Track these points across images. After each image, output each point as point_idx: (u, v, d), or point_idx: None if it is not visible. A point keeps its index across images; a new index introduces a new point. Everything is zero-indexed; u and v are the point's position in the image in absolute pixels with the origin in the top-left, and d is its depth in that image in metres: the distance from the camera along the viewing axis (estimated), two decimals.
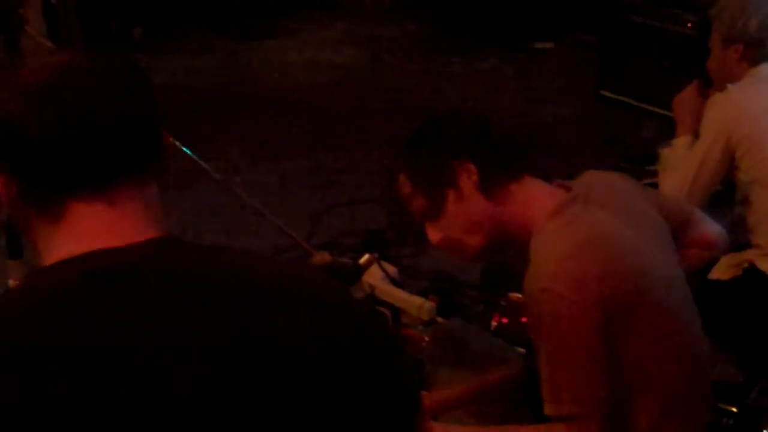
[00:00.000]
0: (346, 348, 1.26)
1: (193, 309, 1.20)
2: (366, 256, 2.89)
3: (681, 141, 3.53)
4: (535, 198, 2.26)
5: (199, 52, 7.41)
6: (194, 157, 2.76)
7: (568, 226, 2.14)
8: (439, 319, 3.37)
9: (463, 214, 2.27)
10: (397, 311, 3.28)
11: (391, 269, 3.56)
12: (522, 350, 2.91)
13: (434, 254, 4.02)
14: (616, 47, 5.99)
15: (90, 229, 1.28)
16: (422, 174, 2.29)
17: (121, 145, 1.30)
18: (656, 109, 5.58)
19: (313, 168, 5.39)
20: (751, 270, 3.23)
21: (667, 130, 5.01)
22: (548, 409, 2.08)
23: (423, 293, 3.55)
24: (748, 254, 3.28)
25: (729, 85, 3.37)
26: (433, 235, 2.33)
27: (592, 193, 2.26)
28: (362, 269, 2.84)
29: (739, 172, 3.31)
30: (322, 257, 2.73)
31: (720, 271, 3.24)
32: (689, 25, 5.46)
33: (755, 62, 3.36)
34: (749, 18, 3.33)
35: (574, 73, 6.74)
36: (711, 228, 2.59)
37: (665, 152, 3.62)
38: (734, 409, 2.80)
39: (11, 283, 2.84)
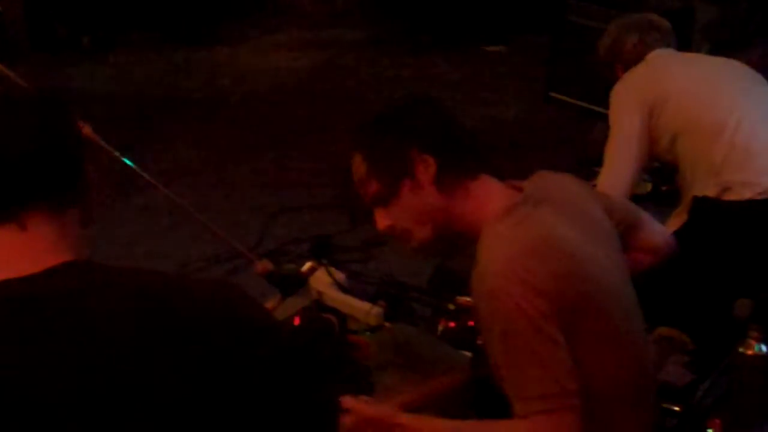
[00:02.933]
0: (250, 365, 1.28)
1: (89, 338, 1.22)
2: (308, 264, 2.88)
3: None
4: (487, 197, 2.24)
5: (149, 59, 7.37)
6: (132, 165, 2.74)
7: (517, 226, 2.13)
8: (387, 325, 3.37)
9: (414, 204, 2.24)
10: (344, 317, 3.27)
11: (340, 275, 3.55)
12: (469, 354, 2.90)
13: (383, 259, 4.04)
14: (564, 50, 6.02)
15: (1, 254, 1.32)
16: (380, 159, 2.26)
17: (30, 174, 1.34)
18: (604, 111, 5.60)
19: (265, 173, 5.38)
20: (694, 203, 3.33)
21: None
22: (517, 409, 2.03)
23: (371, 299, 3.55)
24: (689, 195, 3.39)
25: (624, 74, 3.56)
26: (381, 221, 2.30)
27: (543, 194, 2.25)
28: (305, 277, 2.83)
29: (662, 134, 3.44)
30: (264, 265, 2.71)
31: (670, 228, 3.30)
32: None
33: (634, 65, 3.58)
34: (603, 44, 3.73)
35: (524, 76, 6.77)
36: (658, 232, 2.59)
37: None
38: (677, 409, 2.81)
39: None
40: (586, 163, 4.98)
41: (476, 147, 2.33)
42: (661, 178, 4.46)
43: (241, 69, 7.20)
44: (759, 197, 3.22)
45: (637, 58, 3.60)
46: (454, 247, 2.37)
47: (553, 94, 6.09)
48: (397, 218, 2.28)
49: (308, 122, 6.15)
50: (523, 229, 2.14)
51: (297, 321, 3.16)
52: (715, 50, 3.72)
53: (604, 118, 5.50)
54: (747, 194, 3.23)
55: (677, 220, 3.34)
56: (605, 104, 5.62)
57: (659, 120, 3.41)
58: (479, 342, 2.85)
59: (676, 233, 3.24)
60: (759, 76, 3.56)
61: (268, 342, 1.32)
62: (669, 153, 3.47)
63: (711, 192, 3.28)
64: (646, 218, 2.60)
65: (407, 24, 7.72)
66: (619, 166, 3.51)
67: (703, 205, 3.29)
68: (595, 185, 4.37)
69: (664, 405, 2.87)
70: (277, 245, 4.33)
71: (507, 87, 6.70)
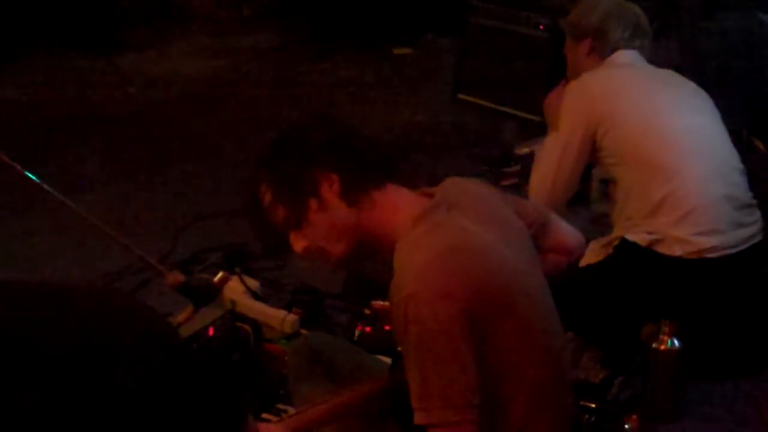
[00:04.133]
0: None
1: None
2: (220, 274, 2.85)
3: (550, 138, 3.58)
4: (398, 205, 2.26)
5: (51, 67, 7.25)
6: (35, 179, 2.68)
7: (431, 232, 2.15)
8: (303, 332, 3.35)
9: (325, 222, 2.26)
10: (258, 326, 3.24)
11: (254, 283, 3.52)
12: (387, 359, 2.90)
13: (298, 267, 4.01)
14: (471, 51, 6.06)
15: None
16: (283, 183, 2.28)
17: None
18: (512, 111, 5.66)
19: (174, 182, 5.31)
20: (622, 244, 3.29)
21: (524, 132, 5.12)
22: (418, 418, 2.05)
23: (287, 306, 3.53)
24: (617, 231, 3.36)
25: (584, 73, 3.50)
26: (297, 244, 2.31)
27: (455, 199, 2.28)
28: (217, 287, 2.80)
29: (604, 155, 3.40)
30: (175, 277, 2.67)
31: (591, 256, 3.29)
32: (540, 27, 5.56)
33: (603, 53, 3.53)
34: (591, 13, 3.58)
35: (433, 78, 6.79)
36: (568, 232, 2.62)
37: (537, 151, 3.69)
38: (593, 406, 2.84)
39: None
40: (496, 164, 5.02)
41: (379, 157, 2.34)
42: None
43: (147, 77, 7.11)
44: (688, 257, 3.21)
45: (606, 52, 3.55)
46: (372, 256, 2.38)
47: (461, 96, 6.13)
48: (312, 238, 2.30)
49: (217, 129, 6.09)
50: (437, 235, 2.16)
51: (211, 332, 3.12)
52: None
53: (513, 118, 5.58)
54: (677, 251, 3.21)
55: (602, 251, 3.31)
56: (512, 104, 5.71)
57: (603, 140, 3.35)
58: (399, 349, 2.87)
59: (599, 263, 3.28)
60: (717, 117, 3.48)
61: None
62: (608, 173, 3.48)
63: (642, 240, 3.23)
64: (556, 219, 2.64)
65: (314, 28, 7.70)
66: (554, 175, 3.45)
67: (631, 251, 3.26)
68: (506, 186, 4.41)
69: (581, 402, 2.89)
70: (190, 255, 4.28)
71: (416, 89, 6.70)
